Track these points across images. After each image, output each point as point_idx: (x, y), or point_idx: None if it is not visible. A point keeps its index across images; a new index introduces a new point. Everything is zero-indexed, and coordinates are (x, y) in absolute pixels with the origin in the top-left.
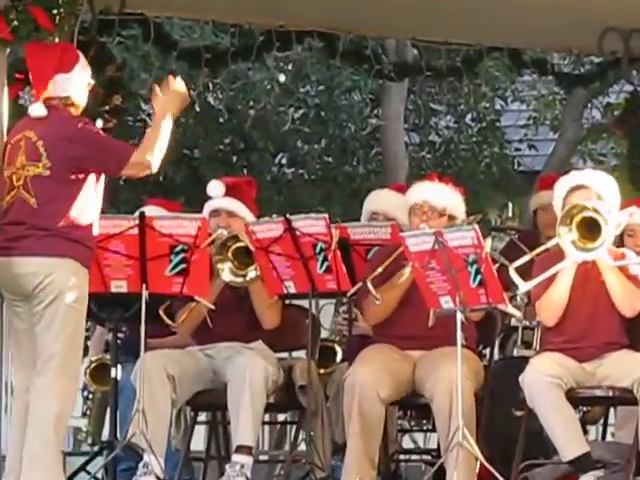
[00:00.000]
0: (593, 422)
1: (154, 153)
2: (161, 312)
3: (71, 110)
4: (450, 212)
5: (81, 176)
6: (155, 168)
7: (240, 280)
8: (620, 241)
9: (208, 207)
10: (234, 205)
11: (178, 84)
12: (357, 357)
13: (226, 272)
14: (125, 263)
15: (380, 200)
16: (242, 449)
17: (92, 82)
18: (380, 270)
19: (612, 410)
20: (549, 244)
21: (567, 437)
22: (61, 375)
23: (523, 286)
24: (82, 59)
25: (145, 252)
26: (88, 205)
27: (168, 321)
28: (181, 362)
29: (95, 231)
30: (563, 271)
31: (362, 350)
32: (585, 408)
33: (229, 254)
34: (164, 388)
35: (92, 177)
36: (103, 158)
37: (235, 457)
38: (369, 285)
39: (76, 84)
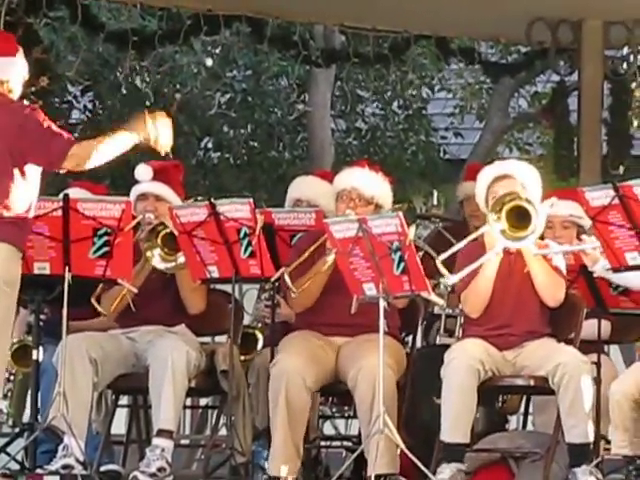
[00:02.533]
0: (512, 412)
1: (95, 155)
2: (93, 301)
3: (9, 95)
4: (377, 201)
5: (18, 161)
6: (87, 167)
7: (171, 266)
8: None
9: (135, 191)
10: (161, 189)
11: (166, 126)
12: (281, 343)
13: (156, 258)
14: (48, 245)
15: (304, 187)
16: (163, 433)
17: (26, 76)
18: (299, 261)
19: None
20: (480, 231)
21: (458, 422)
22: None
23: (450, 278)
24: (21, 51)
25: (69, 234)
26: (23, 188)
27: (100, 309)
28: (103, 345)
29: (31, 214)
30: (487, 262)
31: (285, 336)
32: (502, 398)
33: (158, 240)
34: (86, 371)
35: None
36: (41, 149)
37: (156, 441)
38: (286, 278)
39: (16, 70)
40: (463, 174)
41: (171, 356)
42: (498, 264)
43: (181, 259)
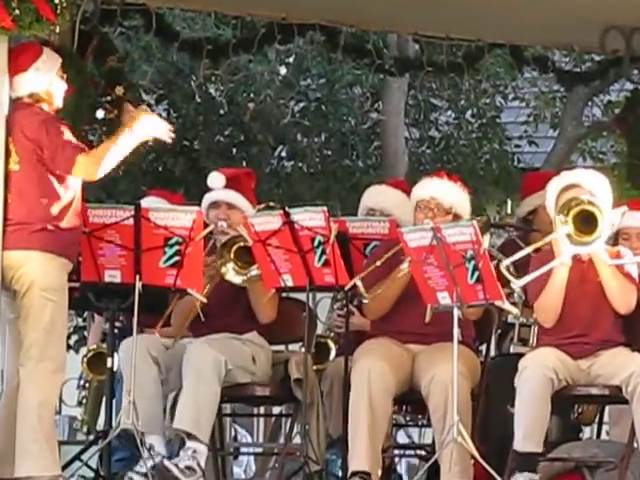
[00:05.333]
0: (587, 423)
1: (101, 164)
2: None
3: (42, 105)
4: (456, 211)
5: (48, 171)
6: (98, 177)
7: (245, 279)
8: (615, 244)
9: (207, 199)
10: (234, 197)
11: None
12: (360, 348)
13: (230, 273)
14: (119, 253)
15: (378, 196)
16: (189, 436)
17: (61, 74)
18: (371, 268)
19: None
20: (547, 239)
21: (531, 432)
22: (40, 363)
23: (516, 282)
24: (44, 55)
25: (140, 243)
26: (62, 195)
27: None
28: (170, 352)
29: (73, 220)
30: (557, 271)
31: (360, 344)
32: (578, 409)
33: (231, 255)
34: (150, 370)
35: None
36: (55, 158)
37: (188, 443)
38: (359, 284)
39: (35, 81)
40: (528, 185)
41: (194, 359)
42: (568, 273)
43: (253, 272)
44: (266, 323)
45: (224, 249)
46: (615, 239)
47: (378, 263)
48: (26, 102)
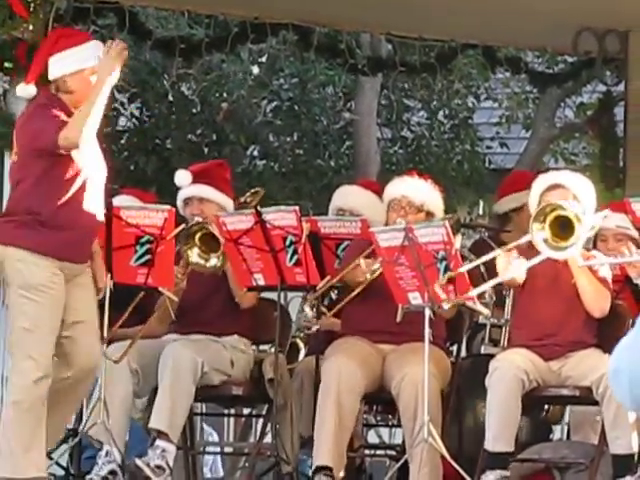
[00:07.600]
0: (554, 422)
1: (81, 130)
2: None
3: (67, 96)
4: (428, 208)
5: (41, 159)
6: (81, 144)
7: (208, 265)
8: (594, 246)
9: (180, 197)
10: (204, 191)
11: (118, 47)
12: (331, 346)
13: (195, 257)
14: None
15: (347, 196)
16: (160, 435)
17: (88, 67)
18: (341, 275)
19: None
20: (522, 240)
21: (502, 432)
22: (21, 363)
23: (472, 291)
24: (74, 49)
25: (111, 241)
26: (50, 189)
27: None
28: (145, 354)
29: (68, 218)
30: (510, 272)
31: (330, 344)
32: (546, 407)
33: (196, 241)
34: (126, 381)
35: (56, 162)
36: (40, 139)
37: (157, 442)
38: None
39: (62, 67)
40: (514, 182)
41: (171, 360)
42: (542, 272)
43: (212, 261)
44: (244, 320)
45: (189, 236)
46: (594, 242)
47: (351, 267)
48: (45, 90)
